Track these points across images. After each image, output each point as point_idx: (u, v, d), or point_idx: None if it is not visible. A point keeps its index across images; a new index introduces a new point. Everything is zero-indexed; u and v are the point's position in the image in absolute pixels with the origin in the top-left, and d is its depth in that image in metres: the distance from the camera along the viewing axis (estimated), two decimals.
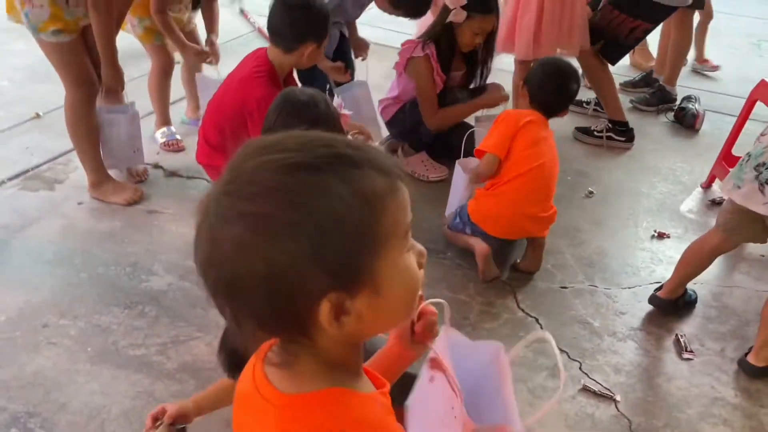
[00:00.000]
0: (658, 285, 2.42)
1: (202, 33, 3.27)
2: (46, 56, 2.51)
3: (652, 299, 2.37)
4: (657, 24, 3.50)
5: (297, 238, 0.60)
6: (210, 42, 3.19)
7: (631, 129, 3.53)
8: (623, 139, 3.51)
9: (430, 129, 3.07)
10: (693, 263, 2.28)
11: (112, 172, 2.84)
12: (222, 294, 0.66)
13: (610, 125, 3.50)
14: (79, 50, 2.52)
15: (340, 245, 0.61)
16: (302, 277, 0.61)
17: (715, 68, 4.46)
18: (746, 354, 2.14)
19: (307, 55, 2.40)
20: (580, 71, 3.10)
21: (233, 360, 1.36)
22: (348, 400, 0.70)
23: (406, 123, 3.19)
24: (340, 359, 0.70)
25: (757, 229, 2.10)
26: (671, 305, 2.34)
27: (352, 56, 3.32)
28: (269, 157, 0.63)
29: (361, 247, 0.63)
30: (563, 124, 3.29)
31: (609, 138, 3.50)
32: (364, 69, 3.27)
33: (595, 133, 3.51)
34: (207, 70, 3.26)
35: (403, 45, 3.09)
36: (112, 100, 2.75)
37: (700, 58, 4.48)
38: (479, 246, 2.44)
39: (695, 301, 2.39)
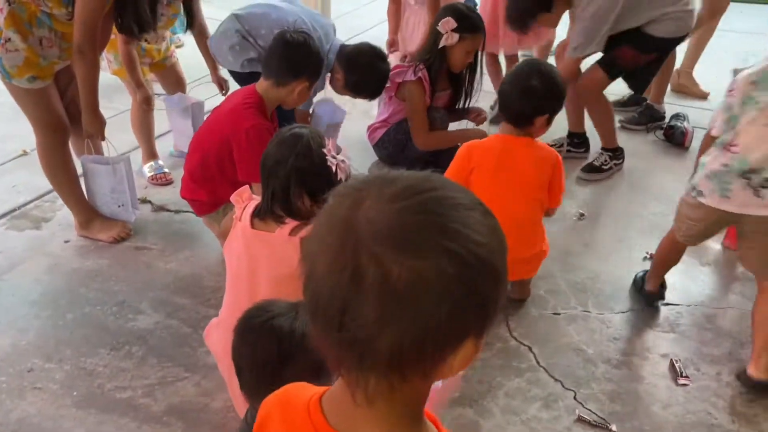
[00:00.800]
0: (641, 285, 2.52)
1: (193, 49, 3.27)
2: (15, 101, 2.47)
3: (648, 297, 2.47)
4: (669, 53, 3.48)
5: (473, 266, 0.61)
6: (214, 77, 3.16)
7: (622, 149, 3.53)
8: (621, 160, 3.51)
9: (418, 148, 3.17)
10: (663, 261, 2.45)
11: None
12: (365, 330, 0.61)
13: (609, 154, 3.48)
14: (53, 96, 2.49)
15: (493, 289, 0.63)
16: (461, 320, 0.62)
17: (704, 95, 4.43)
18: (744, 369, 2.12)
19: (297, 92, 2.42)
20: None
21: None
22: None
23: (393, 143, 3.28)
24: (420, 401, 0.70)
25: (716, 229, 2.28)
26: (658, 296, 2.49)
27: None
28: (446, 193, 0.63)
29: (503, 289, 0.65)
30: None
31: (615, 165, 3.48)
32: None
33: (603, 167, 3.47)
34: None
35: (393, 69, 3.12)
36: (92, 147, 2.69)
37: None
38: None
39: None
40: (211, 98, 3.47)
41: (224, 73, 3.16)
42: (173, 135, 3.33)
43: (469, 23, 2.96)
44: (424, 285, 0.59)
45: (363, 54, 2.98)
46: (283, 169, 1.66)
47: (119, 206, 2.76)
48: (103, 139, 2.63)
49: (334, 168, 1.65)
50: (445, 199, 0.62)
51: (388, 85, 3.13)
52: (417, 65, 3.06)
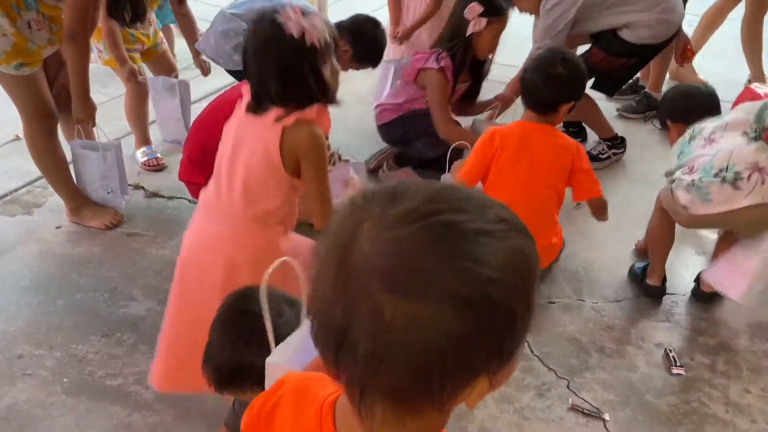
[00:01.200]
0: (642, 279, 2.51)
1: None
2: (3, 87, 2.43)
3: (648, 290, 2.45)
4: (646, 59, 3.43)
5: (477, 304, 0.55)
6: (194, 54, 3.13)
7: (623, 138, 3.49)
8: (622, 150, 3.47)
9: (444, 138, 2.93)
10: (657, 244, 2.45)
11: None
12: (361, 362, 0.57)
13: (608, 143, 3.45)
14: (40, 83, 2.45)
15: (508, 328, 0.57)
16: (468, 361, 0.57)
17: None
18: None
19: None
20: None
21: (223, 374, 1.33)
22: None
23: (399, 136, 3.17)
24: (436, 429, 0.65)
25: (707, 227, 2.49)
26: (661, 290, 2.46)
27: None
28: (450, 218, 0.56)
29: (525, 322, 0.58)
30: None
31: (614, 155, 3.44)
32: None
33: (600, 156, 3.44)
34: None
35: (414, 55, 3.05)
36: (82, 133, 2.65)
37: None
38: None
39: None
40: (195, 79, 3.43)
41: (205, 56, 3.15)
42: (158, 123, 3.25)
43: (495, 6, 2.85)
44: (419, 329, 0.54)
45: (362, 23, 2.93)
46: (265, 57, 1.62)
47: (108, 192, 2.73)
48: (94, 125, 2.60)
49: (307, 39, 1.57)
50: (454, 225, 0.55)
51: (407, 68, 3.03)
52: (440, 53, 2.92)
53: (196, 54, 3.12)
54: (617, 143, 3.47)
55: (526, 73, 2.39)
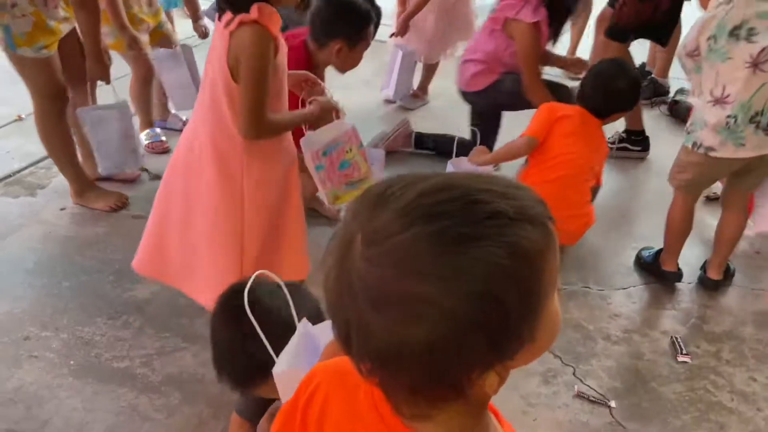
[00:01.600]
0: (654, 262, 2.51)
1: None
2: (17, 70, 2.43)
3: (667, 276, 2.46)
4: None
5: (461, 319, 0.54)
6: (193, 20, 3.29)
7: (647, 138, 3.40)
8: (639, 148, 3.39)
9: (533, 100, 2.75)
10: (677, 232, 2.43)
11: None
12: (371, 361, 0.60)
13: (629, 135, 3.38)
14: (55, 65, 2.46)
15: (506, 321, 0.55)
16: (469, 356, 0.57)
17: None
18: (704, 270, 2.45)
19: (335, 53, 2.33)
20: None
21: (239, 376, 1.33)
22: None
23: (507, 95, 2.90)
24: (484, 402, 0.66)
25: (721, 175, 2.36)
26: (680, 274, 2.47)
27: None
28: (426, 229, 0.54)
29: (527, 313, 0.57)
30: None
31: (626, 149, 3.37)
32: None
33: (609, 141, 3.38)
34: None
35: (502, 1, 2.82)
36: (83, 97, 2.69)
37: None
38: None
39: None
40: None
41: (206, 22, 3.26)
42: (168, 95, 3.24)
43: None
44: (408, 349, 0.56)
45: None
46: None
47: (131, 151, 2.73)
48: (108, 82, 2.63)
49: None
50: (433, 236, 0.54)
51: (492, 16, 2.84)
52: (536, 4, 2.68)
53: (195, 20, 3.27)
54: (637, 139, 3.39)
55: (585, 81, 2.43)
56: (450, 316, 0.54)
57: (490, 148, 2.71)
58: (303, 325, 1.14)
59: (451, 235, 0.54)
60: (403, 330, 0.55)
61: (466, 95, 3.05)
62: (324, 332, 1.12)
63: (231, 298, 1.28)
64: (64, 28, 2.44)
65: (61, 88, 2.51)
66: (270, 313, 1.20)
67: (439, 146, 3.18)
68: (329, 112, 1.95)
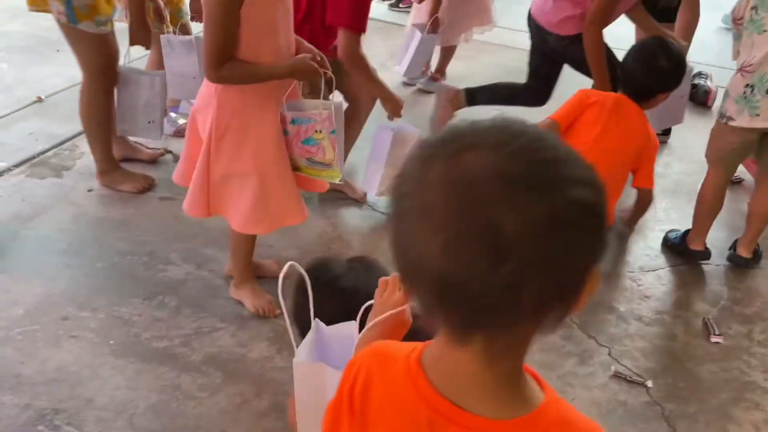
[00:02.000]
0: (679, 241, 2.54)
1: None
2: (72, 44, 2.45)
3: (696, 256, 2.47)
4: None
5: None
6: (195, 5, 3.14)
7: None
8: (660, 132, 3.37)
9: (585, 42, 2.63)
10: (707, 208, 2.45)
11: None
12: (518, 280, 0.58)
13: None
14: (111, 42, 2.50)
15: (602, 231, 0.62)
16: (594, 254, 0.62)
17: None
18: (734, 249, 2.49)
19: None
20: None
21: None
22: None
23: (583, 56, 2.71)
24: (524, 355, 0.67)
25: (746, 148, 2.36)
26: (708, 253, 2.50)
27: None
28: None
29: (600, 242, 0.63)
30: None
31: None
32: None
33: None
34: None
35: None
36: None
37: None
38: None
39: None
40: None
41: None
42: (168, 80, 3.15)
43: None
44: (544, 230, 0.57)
45: None
46: None
47: (150, 122, 2.72)
48: (149, 48, 2.71)
49: None
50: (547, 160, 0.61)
51: None
52: None
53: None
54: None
55: (627, 62, 2.38)
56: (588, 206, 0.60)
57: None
58: (316, 323, 1.16)
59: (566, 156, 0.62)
60: (542, 207, 0.57)
61: (547, 35, 2.81)
62: (336, 331, 1.13)
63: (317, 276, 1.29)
64: (119, 3, 2.47)
65: (112, 65, 2.55)
66: (346, 290, 1.22)
67: (495, 98, 3.12)
68: (307, 73, 1.88)
